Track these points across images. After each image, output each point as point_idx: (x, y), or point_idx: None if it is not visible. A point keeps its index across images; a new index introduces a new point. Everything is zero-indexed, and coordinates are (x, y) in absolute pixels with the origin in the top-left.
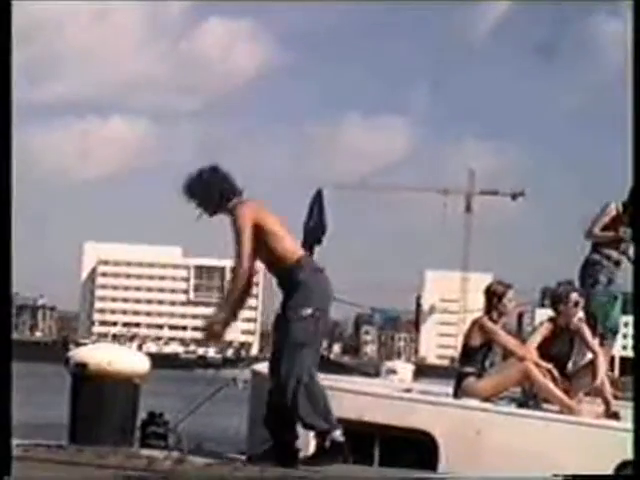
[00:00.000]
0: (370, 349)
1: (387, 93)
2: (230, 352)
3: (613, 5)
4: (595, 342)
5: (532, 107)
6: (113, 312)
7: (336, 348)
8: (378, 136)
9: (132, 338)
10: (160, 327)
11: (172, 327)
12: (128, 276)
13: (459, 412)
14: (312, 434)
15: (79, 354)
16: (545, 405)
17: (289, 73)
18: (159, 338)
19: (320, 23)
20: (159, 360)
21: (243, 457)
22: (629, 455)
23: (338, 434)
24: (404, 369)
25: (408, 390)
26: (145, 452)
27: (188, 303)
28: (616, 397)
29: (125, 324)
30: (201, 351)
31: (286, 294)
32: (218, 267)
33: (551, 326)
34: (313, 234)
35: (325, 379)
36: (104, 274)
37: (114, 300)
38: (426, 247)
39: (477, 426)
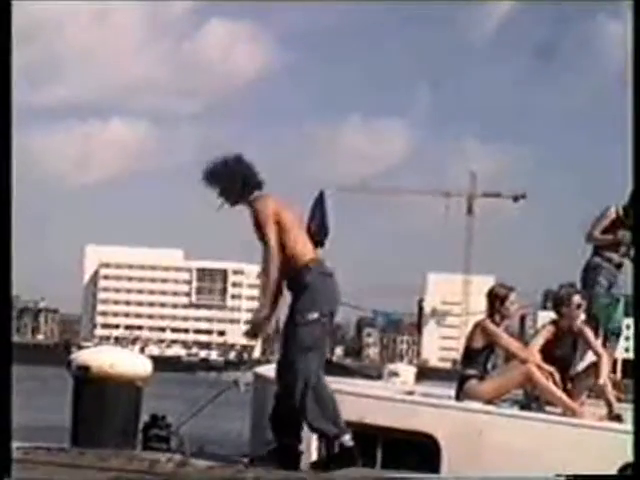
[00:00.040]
0: (372, 352)
1: (388, 94)
2: (232, 355)
3: (613, 6)
4: (598, 343)
5: (533, 109)
6: (115, 315)
7: (338, 351)
8: (379, 138)
9: (134, 341)
10: (162, 330)
11: (174, 330)
12: (130, 279)
13: (461, 414)
14: (315, 437)
15: (81, 357)
16: (547, 407)
17: (289, 75)
18: (161, 341)
19: (320, 24)
20: (161, 363)
21: (245, 460)
22: (631, 457)
23: (347, 439)
24: (406, 372)
25: (410, 393)
26: (147, 455)
27: (190, 306)
28: (619, 399)
29: (127, 327)
30: (203, 354)
31: (294, 297)
32: (220, 269)
33: (553, 328)
34: (315, 237)
35: (327, 382)
36: (106, 277)
37: (116, 303)
38: (428, 250)
39: (479, 428)
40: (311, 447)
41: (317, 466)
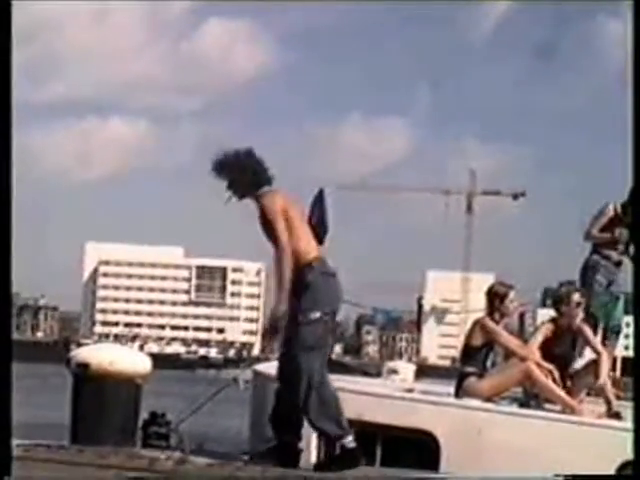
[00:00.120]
0: (372, 349)
1: (387, 94)
2: (232, 352)
3: (613, 6)
4: (597, 341)
5: (533, 108)
6: (115, 312)
7: (337, 348)
8: (379, 136)
9: (134, 338)
10: (162, 327)
11: (174, 327)
12: (130, 276)
13: (461, 412)
14: (314, 435)
15: (81, 354)
16: (547, 405)
17: (289, 74)
18: (161, 338)
19: (320, 23)
20: (161, 360)
21: (245, 457)
22: (631, 455)
23: (349, 440)
24: (405, 369)
25: (410, 390)
26: (147, 452)
27: (190, 303)
28: (618, 397)
29: (127, 324)
30: (203, 351)
31: (296, 296)
32: (220, 267)
33: (553, 326)
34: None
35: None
36: (105, 274)
37: (116, 300)
38: (427, 247)
39: (478, 426)
40: (311, 445)
41: (319, 468)
